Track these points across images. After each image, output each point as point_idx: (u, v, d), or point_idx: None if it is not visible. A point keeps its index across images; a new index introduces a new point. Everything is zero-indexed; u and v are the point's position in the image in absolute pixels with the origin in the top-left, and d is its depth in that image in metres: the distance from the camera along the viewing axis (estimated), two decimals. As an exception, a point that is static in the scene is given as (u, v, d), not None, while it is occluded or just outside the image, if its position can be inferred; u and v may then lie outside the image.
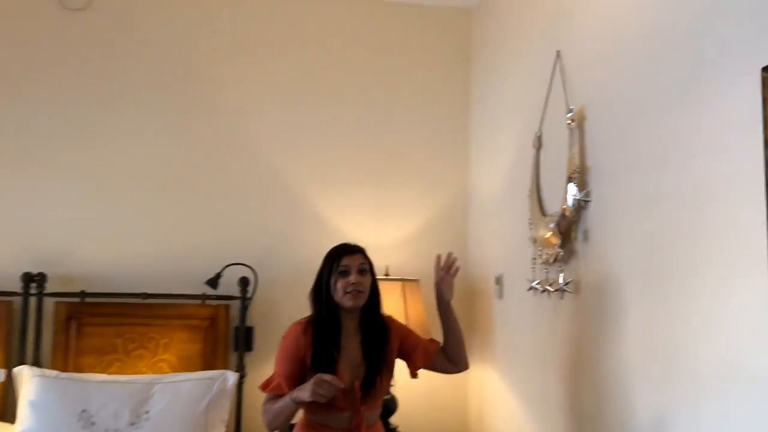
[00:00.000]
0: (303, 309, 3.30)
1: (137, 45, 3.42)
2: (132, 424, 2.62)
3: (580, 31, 2.41)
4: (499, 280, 3.11)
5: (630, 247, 2.01)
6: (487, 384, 3.21)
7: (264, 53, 3.52)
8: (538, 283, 2.57)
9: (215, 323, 3.19)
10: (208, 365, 3.13)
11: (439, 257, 2.27)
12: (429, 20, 3.69)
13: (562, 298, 2.38)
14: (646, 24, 1.97)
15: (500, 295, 3.09)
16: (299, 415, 2.20)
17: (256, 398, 3.20)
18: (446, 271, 2.25)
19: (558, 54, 2.53)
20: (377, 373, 2.15)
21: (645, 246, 1.94)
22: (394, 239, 3.51)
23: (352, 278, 2.16)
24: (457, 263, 2.27)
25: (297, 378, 2.11)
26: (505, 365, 3.00)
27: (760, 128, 1.41)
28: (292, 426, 2.24)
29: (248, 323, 3.28)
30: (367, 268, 2.22)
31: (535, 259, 2.60)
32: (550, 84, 2.58)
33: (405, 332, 2.33)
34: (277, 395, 2.11)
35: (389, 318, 2.33)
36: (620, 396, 2.01)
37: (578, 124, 2.32)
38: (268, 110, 3.49)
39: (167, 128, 3.40)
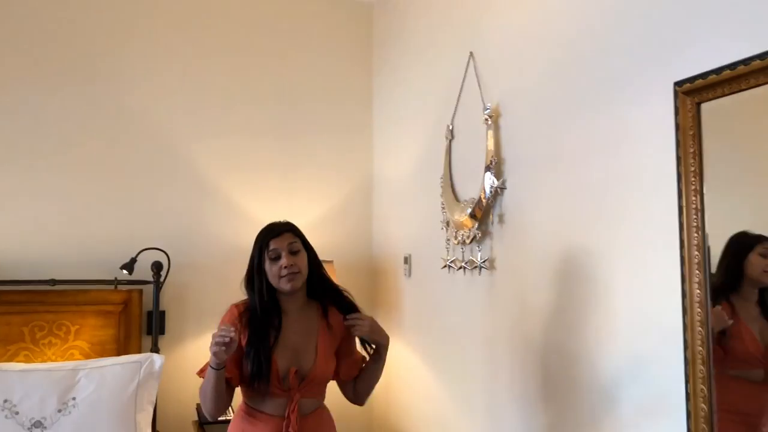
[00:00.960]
0: (213, 292, 3.40)
1: (42, 27, 3.27)
2: (59, 411, 2.58)
3: (491, 35, 2.68)
4: (407, 260, 3.36)
5: (543, 229, 2.33)
6: (396, 356, 3.46)
7: (172, 41, 3.49)
8: (452, 262, 2.85)
9: (128, 308, 3.17)
10: (121, 350, 3.11)
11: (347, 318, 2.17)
12: (333, 11, 3.83)
13: (479, 274, 2.67)
14: (560, 33, 2.25)
15: (408, 273, 3.35)
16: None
17: (170, 380, 3.25)
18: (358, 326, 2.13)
19: (471, 54, 2.80)
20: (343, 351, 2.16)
21: (555, 229, 2.26)
22: (304, 222, 3.57)
23: (284, 261, 2.07)
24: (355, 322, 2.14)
25: (236, 361, 2.03)
26: (415, 339, 3.26)
27: (672, 132, 1.74)
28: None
29: (160, 307, 3.28)
30: (299, 247, 2.13)
31: (449, 240, 2.87)
32: (463, 81, 2.85)
33: (349, 332, 2.19)
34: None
35: (347, 296, 2.22)
36: (534, 365, 2.33)
37: (494, 119, 2.60)
38: (177, 97, 3.47)
39: (76, 112, 3.30)
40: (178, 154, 3.45)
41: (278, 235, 2.13)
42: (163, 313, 3.30)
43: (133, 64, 3.41)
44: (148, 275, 3.22)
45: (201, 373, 2.06)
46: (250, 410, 2.10)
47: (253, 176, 3.59)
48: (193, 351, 3.38)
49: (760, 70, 1.50)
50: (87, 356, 3.02)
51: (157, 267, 3.22)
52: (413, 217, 3.34)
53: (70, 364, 2.76)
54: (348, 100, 3.84)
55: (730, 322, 1.64)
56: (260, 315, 2.06)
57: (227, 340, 1.88)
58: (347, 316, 2.14)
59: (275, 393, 2.03)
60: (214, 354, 1.89)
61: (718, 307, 1.66)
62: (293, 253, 2.11)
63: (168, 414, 3.26)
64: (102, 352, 3.06)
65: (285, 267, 2.07)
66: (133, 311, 3.18)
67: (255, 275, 2.12)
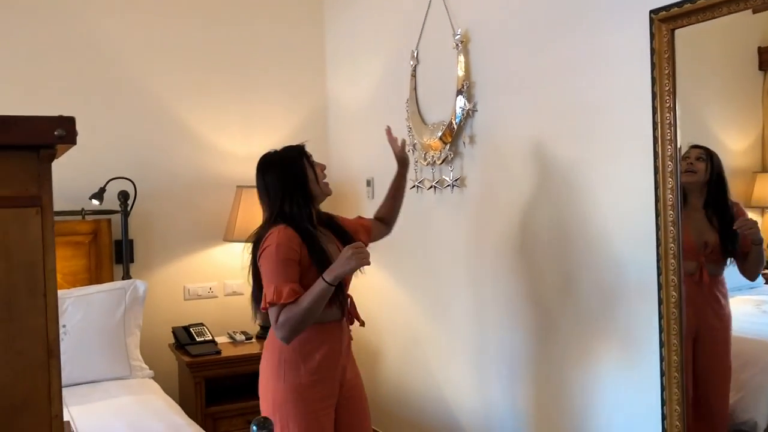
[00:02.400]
0: (181, 219, 3.46)
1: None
2: (51, 338, 2.61)
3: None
4: (370, 183, 3.50)
5: (516, 147, 2.52)
6: (368, 277, 3.63)
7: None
8: (421, 182, 3.02)
9: (97, 238, 3.18)
10: (93, 279, 3.14)
11: (387, 131, 2.50)
12: (283, -66, 3.79)
13: (451, 192, 2.86)
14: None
15: (372, 195, 3.50)
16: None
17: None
18: (396, 140, 2.45)
19: (438, -20, 2.89)
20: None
21: (529, 146, 2.46)
22: (262, 149, 3.66)
23: (321, 165, 2.23)
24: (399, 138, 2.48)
25: (301, 282, 2.02)
26: (385, 258, 3.43)
27: (647, 56, 1.94)
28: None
29: (128, 236, 3.30)
30: None
31: (417, 161, 3.03)
32: (429, 7, 2.94)
33: (340, 218, 2.37)
34: (294, 301, 1.97)
35: (332, 215, 2.37)
36: (510, 269, 2.57)
37: (464, 45, 2.74)
38: (138, 29, 3.42)
39: (43, 42, 3.21)
40: (142, 86, 3.41)
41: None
42: (131, 242, 3.32)
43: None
44: (115, 204, 3.22)
45: (282, 299, 1.96)
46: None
47: (211, 106, 3.59)
48: (163, 277, 3.44)
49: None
50: (60, 287, 3.02)
51: (124, 196, 3.22)
52: (375, 140, 3.45)
53: (54, 293, 2.77)
54: (299, 23, 3.85)
55: None
56: (307, 225, 2.10)
57: (367, 260, 1.99)
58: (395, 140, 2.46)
59: (332, 301, 2.07)
60: (351, 268, 1.98)
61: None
62: None
63: (143, 338, 3.33)
64: (75, 282, 3.08)
65: (323, 171, 2.22)
66: (103, 241, 3.19)
67: (297, 182, 2.13)
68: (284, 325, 1.98)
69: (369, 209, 3.52)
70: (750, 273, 1.91)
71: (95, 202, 3.11)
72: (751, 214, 1.88)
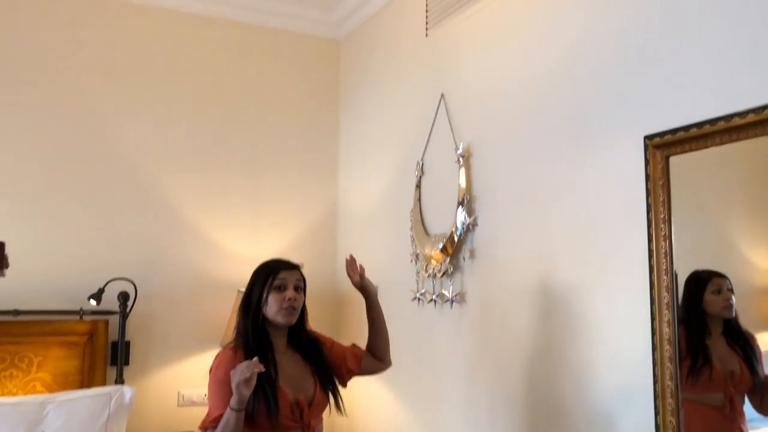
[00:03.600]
0: (180, 322, 3.41)
1: (13, 55, 3.23)
2: (27, 446, 2.53)
3: (463, 77, 2.81)
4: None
5: (515, 265, 2.45)
6: (364, 388, 3.50)
7: (143, 72, 3.49)
8: (422, 294, 2.94)
9: (93, 339, 3.13)
10: (85, 382, 3.07)
11: (348, 260, 2.31)
12: (300, 46, 3.90)
13: (450, 307, 2.77)
14: (534, 78, 2.39)
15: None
16: None
17: (133, 412, 3.21)
18: (356, 271, 2.28)
19: (443, 96, 2.92)
20: (330, 383, 2.17)
21: (526, 266, 2.38)
22: (270, 251, 3.66)
23: (289, 293, 2.10)
24: (358, 264, 2.31)
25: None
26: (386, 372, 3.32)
27: (642, 181, 1.89)
28: None
29: (126, 337, 3.25)
30: (302, 285, 2.17)
31: (419, 272, 2.97)
32: (434, 121, 2.97)
33: (329, 343, 2.31)
34: (215, 427, 1.96)
35: (318, 334, 2.31)
36: (506, 396, 2.44)
37: (466, 158, 2.72)
38: (146, 126, 3.47)
39: (45, 139, 3.27)
40: (147, 184, 3.44)
41: (290, 268, 2.17)
42: (128, 344, 3.27)
43: (103, 93, 3.40)
44: (114, 305, 3.19)
45: (207, 423, 2.00)
46: None
47: (220, 206, 3.60)
48: (158, 381, 3.35)
49: (724, 130, 1.67)
50: (49, 388, 2.97)
51: (123, 297, 3.19)
52: (381, 248, 3.42)
53: (38, 398, 2.71)
54: (315, 134, 3.90)
55: None
56: (253, 347, 2.05)
57: (256, 370, 1.86)
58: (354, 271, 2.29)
59: (288, 425, 2.02)
60: (238, 389, 1.86)
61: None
62: (297, 289, 2.14)
63: (132, 445, 3.22)
64: (65, 384, 3.01)
65: (289, 299, 2.10)
66: (99, 342, 3.14)
67: (254, 302, 2.12)
68: None
69: (372, 318, 3.43)
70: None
71: (93, 302, 3.08)
72: None
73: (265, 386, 1.98)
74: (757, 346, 1.79)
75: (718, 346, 1.82)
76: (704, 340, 1.82)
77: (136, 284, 3.24)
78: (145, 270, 3.35)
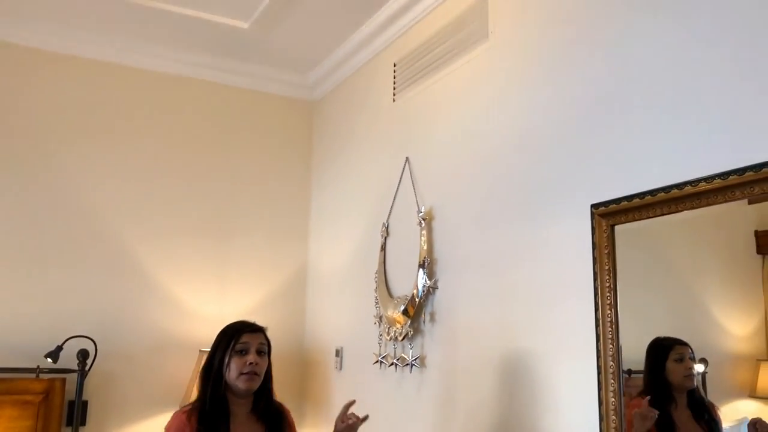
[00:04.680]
0: (140, 381, 3.35)
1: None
2: None
3: (426, 143, 2.86)
4: (339, 353, 3.39)
5: (471, 330, 2.44)
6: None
7: (110, 128, 3.51)
8: (383, 357, 2.91)
9: (49, 398, 3.05)
10: (38, 443, 2.99)
11: (349, 406, 2.16)
12: (273, 107, 3.95)
13: (410, 372, 2.74)
14: (490, 148, 2.44)
15: (340, 366, 3.37)
16: None
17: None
18: (356, 420, 2.11)
19: (407, 160, 2.96)
20: None
21: (482, 331, 2.37)
22: (236, 311, 3.61)
23: (251, 358, 2.04)
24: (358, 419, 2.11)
25: None
26: None
27: (589, 248, 1.90)
28: None
29: (83, 396, 3.17)
30: (266, 349, 2.12)
31: (381, 335, 2.95)
32: (399, 183, 3.00)
33: (293, 427, 2.22)
34: None
35: (286, 409, 2.23)
36: (464, 457, 2.40)
37: (427, 221, 2.74)
38: (110, 182, 3.46)
39: (3, 194, 3.25)
40: (111, 241, 3.42)
41: (253, 331, 2.11)
42: (85, 403, 3.19)
43: (68, 149, 3.40)
44: (73, 363, 3.13)
45: None
46: None
47: (186, 265, 3.58)
48: (114, 443, 3.27)
49: (664, 201, 1.70)
50: (0, 450, 2.88)
51: (83, 355, 3.13)
52: (346, 310, 3.40)
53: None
54: (286, 194, 3.92)
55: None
56: (211, 415, 1.99)
57: None
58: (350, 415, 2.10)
59: None
60: None
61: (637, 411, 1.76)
62: (260, 353, 2.08)
63: None
64: (16, 446, 2.92)
65: (250, 363, 2.03)
66: (55, 401, 3.06)
67: (215, 366, 2.06)
68: None
69: (336, 382, 3.39)
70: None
71: (50, 360, 3.02)
72: (756, 404, 1.71)
73: None
74: (719, 417, 1.77)
75: (683, 418, 1.79)
76: (670, 411, 1.78)
77: (96, 342, 3.19)
78: (107, 328, 3.30)
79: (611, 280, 1.83)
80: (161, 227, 3.55)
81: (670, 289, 1.86)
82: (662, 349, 1.81)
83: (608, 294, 1.83)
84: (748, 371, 1.71)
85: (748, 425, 1.65)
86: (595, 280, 1.87)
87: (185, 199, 3.63)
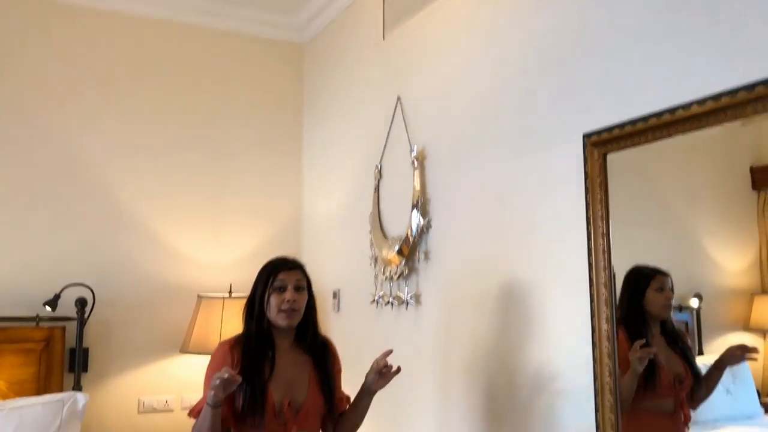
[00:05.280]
0: (140, 328, 3.38)
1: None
2: (-26, 456, 2.49)
3: (418, 81, 2.82)
4: (336, 295, 3.42)
5: (464, 267, 2.45)
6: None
7: (102, 75, 3.47)
8: (380, 297, 2.94)
9: (50, 345, 3.09)
10: (41, 389, 3.03)
11: (386, 355, 2.12)
12: (264, 51, 3.89)
13: (406, 309, 2.76)
14: (481, 82, 2.41)
15: (337, 308, 3.41)
16: None
17: (93, 419, 3.17)
18: (388, 371, 2.09)
19: (399, 99, 2.93)
20: (328, 390, 2.12)
21: (477, 266, 2.39)
22: (233, 258, 3.65)
23: (288, 295, 2.07)
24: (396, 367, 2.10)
25: (229, 399, 1.97)
26: (344, 373, 3.30)
27: (582, 179, 1.90)
28: None
29: (84, 344, 3.21)
30: (304, 285, 2.14)
31: (377, 275, 2.96)
32: (391, 124, 2.97)
33: (338, 368, 2.24)
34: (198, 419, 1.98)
35: (330, 342, 2.27)
36: (459, 393, 2.43)
37: (420, 161, 2.73)
38: (105, 130, 3.44)
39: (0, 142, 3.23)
40: (107, 190, 3.42)
41: (289, 269, 2.14)
42: (86, 351, 3.23)
43: (62, 99, 3.37)
44: (72, 311, 3.15)
45: (194, 414, 2.02)
46: None
47: (181, 212, 3.57)
48: (118, 388, 3.32)
49: (656, 126, 1.68)
50: (4, 396, 2.92)
51: (81, 303, 3.16)
52: (342, 252, 3.41)
53: (-14, 406, 2.67)
54: (278, 138, 3.90)
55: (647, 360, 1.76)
56: (255, 346, 2.06)
57: (229, 379, 1.83)
58: (382, 365, 2.09)
59: (271, 428, 2.00)
60: (215, 391, 1.85)
61: (638, 344, 1.77)
62: (298, 289, 2.12)
63: (90, 454, 3.18)
64: (21, 392, 2.96)
65: (288, 301, 2.08)
66: (56, 349, 3.10)
67: (257, 303, 2.12)
68: None
69: (334, 323, 3.42)
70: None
71: (48, 309, 3.05)
72: (750, 338, 1.73)
73: (254, 385, 1.99)
74: (690, 343, 1.80)
75: (660, 348, 1.81)
76: (648, 340, 1.79)
77: (94, 290, 3.20)
78: (104, 276, 3.32)
79: (603, 210, 1.83)
80: (156, 177, 3.54)
81: (663, 224, 1.87)
82: (643, 279, 1.82)
83: (600, 223, 1.83)
84: (742, 305, 1.73)
85: (731, 348, 1.69)
86: (587, 209, 1.87)
87: (177, 147, 3.61)
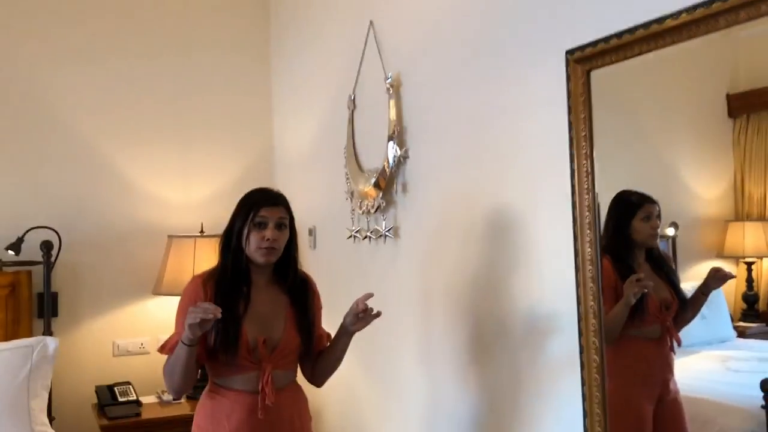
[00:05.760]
0: (110, 270, 3.29)
1: None
2: (-57, 402, 2.41)
3: (391, 4, 2.68)
4: (312, 232, 3.35)
5: (444, 197, 2.38)
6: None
7: (65, 17, 3.31)
8: (357, 232, 2.87)
9: (16, 291, 3.00)
10: (9, 335, 2.95)
11: (367, 298, 2.03)
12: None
13: (384, 243, 2.70)
14: (456, 2, 2.30)
15: (313, 245, 3.34)
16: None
17: (65, 364, 3.11)
18: (368, 314, 2.01)
19: (371, 23, 2.79)
20: (305, 328, 2.04)
21: (457, 195, 2.31)
22: (203, 197, 3.55)
23: (268, 233, 1.95)
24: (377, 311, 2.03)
25: (202, 336, 1.86)
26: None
27: (564, 99, 1.81)
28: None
29: (52, 288, 3.11)
30: (286, 222, 2.02)
31: (354, 210, 2.89)
32: (364, 51, 2.84)
33: (318, 306, 2.17)
34: (170, 355, 1.91)
35: (310, 278, 2.18)
36: (442, 323, 2.40)
37: (395, 89, 2.62)
38: (67, 66, 3.29)
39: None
40: (67, 126, 3.27)
41: (272, 205, 2.01)
42: (55, 295, 3.14)
43: (24, 38, 3.20)
44: (37, 255, 3.04)
45: (166, 350, 1.94)
46: (218, 389, 1.98)
47: (147, 149, 3.45)
48: (91, 332, 3.25)
49: (643, 38, 1.58)
50: (-29, 343, 2.84)
51: (46, 246, 3.05)
52: (317, 188, 3.32)
53: (-47, 352, 2.58)
54: (245, 71, 3.74)
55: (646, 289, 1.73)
56: (230, 280, 1.96)
57: (210, 316, 1.72)
58: (361, 308, 2.00)
59: (245, 366, 1.93)
60: (190, 328, 1.75)
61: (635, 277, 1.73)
62: (279, 227, 2.00)
63: (65, 399, 3.13)
64: (-12, 338, 2.89)
65: (267, 239, 1.96)
66: (22, 294, 3.01)
67: (234, 237, 2.00)
68: (164, 378, 1.94)
69: (311, 260, 3.35)
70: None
71: (11, 252, 2.93)
72: (724, 264, 1.70)
73: (228, 321, 1.87)
74: (674, 266, 1.77)
75: (646, 274, 1.77)
76: (633, 267, 1.76)
77: (59, 233, 3.09)
78: (70, 218, 3.21)
79: (587, 129, 1.75)
80: (119, 114, 3.42)
81: (641, 150, 1.81)
82: (630, 207, 1.76)
83: (584, 144, 1.75)
84: (716, 233, 1.71)
85: (710, 271, 1.66)
86: (570, 129, 1.79)
87: (141, 85, 3.47)
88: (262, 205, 1.99)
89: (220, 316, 1.75)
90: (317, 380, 2.17)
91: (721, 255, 1.71)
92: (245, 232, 1.97)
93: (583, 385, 1.77)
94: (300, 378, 2.16)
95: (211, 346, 1.92)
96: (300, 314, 2.05)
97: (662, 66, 1.64)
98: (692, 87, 1.78)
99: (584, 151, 1.76)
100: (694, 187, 1.75)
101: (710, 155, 1.76)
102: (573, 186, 1.78)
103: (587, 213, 1.75)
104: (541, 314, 1.95)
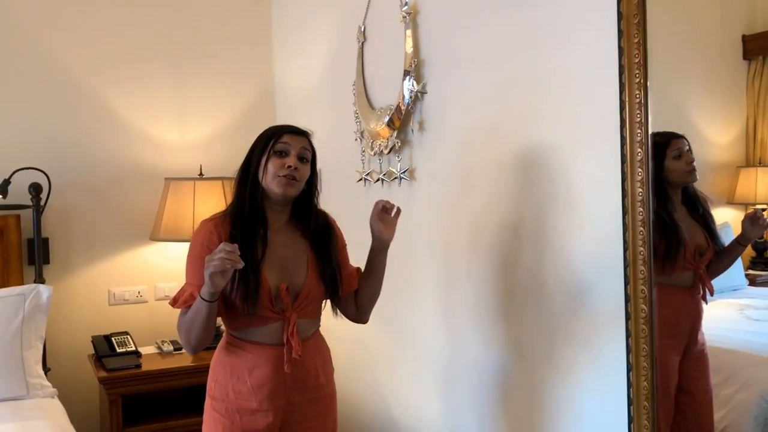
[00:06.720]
0: (104, 215, 3.12)
1: None
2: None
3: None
4: (318, 175, 3.16)
5: (467, 135, 2.20)
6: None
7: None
8: (368, 174, 2.69)
9: (4, 236, 2.83)
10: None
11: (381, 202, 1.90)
12: None
13: (399, 185, 2.52)
14: None
15: (320, 188, 3.15)
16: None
17: (60, 313, 2.96)
18: (385, 212, 1.88)
19: (385, -54, 2.56)
20: (330, 273, 1.86)
21: (482, 133, 2.13)
22: (201, 138, 3.35)
23: (290, 160, 1.77)
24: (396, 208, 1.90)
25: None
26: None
27: (614, 22, 1.62)
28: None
29: (43, 234, 2.94)
30: (309, 156, 1.85)
31: (364, 151, 2.70)
32: (376, -23, 2.61)
33: (342, 244, 2.00)
34: (186, 309, 1.74)
35: (330, 218, 2.01)
36: (462, 269, 2.25)
37: (412, 17, 2.40)
38: (62, 11, 3.06)
39: None
40: (60, 65, 3.06)
41: (296, 133, 1.84)
42: (46, 241, 2.96)
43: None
44: (26, 198, 2.86)
45: (179, 304, 1.76)
46: (237, 341, 1.82)
47: (141, 88, 3.23)
48: (85, 280, 3.10)
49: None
50: (-41, 291, 2.67)
51: (35, 189, 2.86)
52: (323, 128, 3.10)
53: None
54: (243, 7, 3.49)
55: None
56: (247, 221, 1.78)
57: (239, 265, 1.56)
58: (381, 205, 1.87)
59: (267, 316, 1.77)
60: (212, 278, 1.58)
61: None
62: (301, 159, 1.82)
63: (60, 349, 2.99)
64: (-23, 286, 2.72)
65: (288, 166, 1.77)
66: (11, 239, 2.84)
67: (251, 170, 1.81)
68: (179, 334, 1.77)
69: (318, 205, 3.18)
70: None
71: (-3, 196, 2.75)
72: (734, 211, 1.62)
73: (247, 268, 1.69)
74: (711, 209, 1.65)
75: (682, 217, 1.64)
76: (673, 216, 1.63)
77: (49, 175, 2.90)
78: (59, 160, 3.02)
79: (641, 56, 1.57)
80: (113, 52, 3.20)
81: (651, 94, 1.64)
82: (658, 147, 1.60)
83: (637, 72, 1.57)
84: (728, 179, 1.63)
85: (745, 216, 1.56)
86: (620, 56, 1.60)
87: (135, 18, 3.24)
88: (285, 132, 1.82)
89: (242, 264, 1.59)
90: (363, 316, 2.02)
91: (731, 202, 1.63)
92: (263, 161, 1.79)
93: (628, 336, 1.63)
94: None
95: (227, 296, 1.75)
96: (323, 260, 1.88)
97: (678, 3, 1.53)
98: (707, 27, 1.66)
99: (637, 80, 1.58)
100: (705, 131, 1.65)
101: (723, 99, 1.66)
102: (623, 119, 1.61)
103: (639, 149, 1.58)
104: (580, 260, 1.79)
